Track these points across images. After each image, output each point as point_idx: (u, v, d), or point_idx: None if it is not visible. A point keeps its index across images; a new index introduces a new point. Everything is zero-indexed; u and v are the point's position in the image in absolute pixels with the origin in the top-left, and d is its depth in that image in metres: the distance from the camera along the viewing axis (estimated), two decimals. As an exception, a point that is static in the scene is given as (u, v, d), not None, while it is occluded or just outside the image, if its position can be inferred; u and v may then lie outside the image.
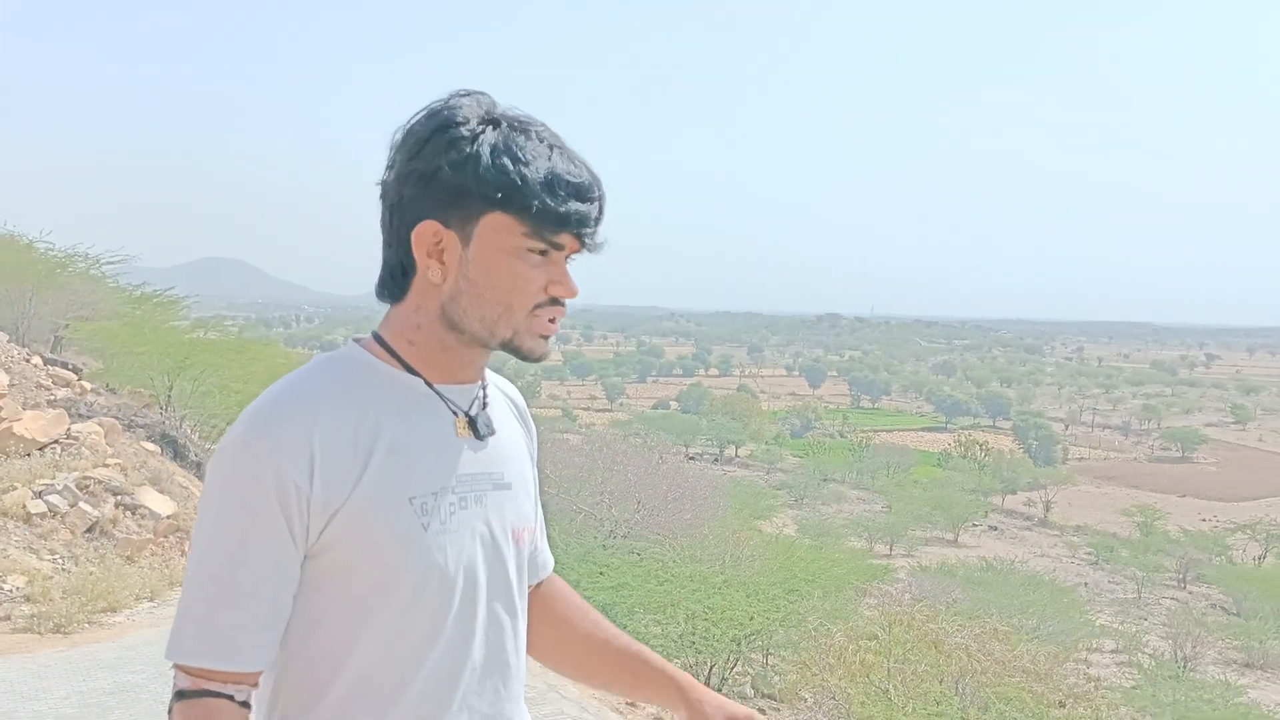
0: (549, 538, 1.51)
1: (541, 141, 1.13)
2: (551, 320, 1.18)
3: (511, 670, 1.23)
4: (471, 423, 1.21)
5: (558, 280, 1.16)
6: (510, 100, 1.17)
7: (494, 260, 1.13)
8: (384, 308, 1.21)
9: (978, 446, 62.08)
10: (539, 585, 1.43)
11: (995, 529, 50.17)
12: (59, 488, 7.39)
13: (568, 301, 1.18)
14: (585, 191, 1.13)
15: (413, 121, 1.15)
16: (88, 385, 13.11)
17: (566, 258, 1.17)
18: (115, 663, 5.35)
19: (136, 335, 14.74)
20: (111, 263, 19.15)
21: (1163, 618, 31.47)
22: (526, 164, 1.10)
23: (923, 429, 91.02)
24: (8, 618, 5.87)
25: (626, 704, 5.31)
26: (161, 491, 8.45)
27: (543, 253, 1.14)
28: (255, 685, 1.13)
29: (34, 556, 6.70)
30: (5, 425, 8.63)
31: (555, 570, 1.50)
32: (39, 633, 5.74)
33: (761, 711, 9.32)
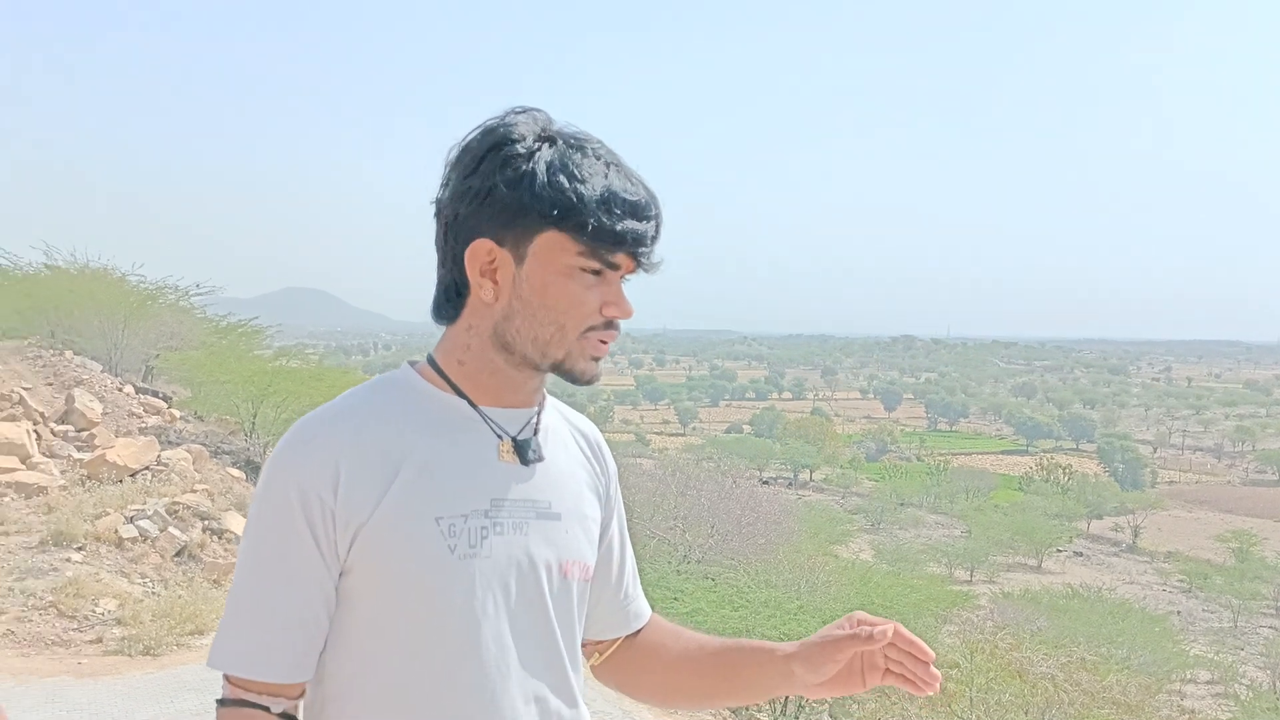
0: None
1: (598, 159, 1.11)
2: (603, 341, 1.15)
3: (550, 708, 1.17)
4: (517, 447, 1.17)
5: (612, 301, 1.13)
6: (581, 119, 1.15)
7: (548, 280, 1.11)
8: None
9: (1061, 470, 60.54)
10: (636, 634, 1.38)
11: (1080, 555, 48.86)
12: (149, 513, 7.63)
13: (623, 324, 1.15)
14: (642, 210, 1.11)
15: (468, 138, 1.14)
16: (177, 413, 13.59)
17: (622, 278, 1.14)
18: (200, 684, 5.46)
19: (222, 364, 15.25)
20: (199, 294, 19.85)
21: (1260, 647, 30.44)
22: (583, 181, 1.08)
23: (1002, 452, 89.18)
24: (99, 640, 6.05)
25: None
26: (246, 516, 8.67)
27: (597, 272, 1.11)
28: (297, 697, 1.13)
29: (125, 580, 6.92)
30: (99, 453, 8.97)
31: None
32: (129, 655, 5.90)
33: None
